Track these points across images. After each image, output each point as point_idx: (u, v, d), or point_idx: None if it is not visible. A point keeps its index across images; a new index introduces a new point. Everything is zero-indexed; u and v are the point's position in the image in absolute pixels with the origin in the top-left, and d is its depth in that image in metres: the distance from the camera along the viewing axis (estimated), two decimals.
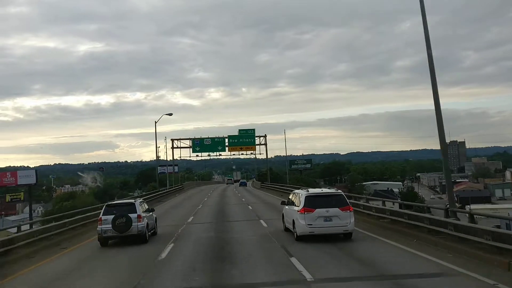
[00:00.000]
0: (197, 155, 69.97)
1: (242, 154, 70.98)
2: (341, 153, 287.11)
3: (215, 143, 68.15)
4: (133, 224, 17.32)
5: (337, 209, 16.27)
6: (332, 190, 20.94)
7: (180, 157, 72.61)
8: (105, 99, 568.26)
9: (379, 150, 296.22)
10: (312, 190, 18.41)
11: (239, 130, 69.92)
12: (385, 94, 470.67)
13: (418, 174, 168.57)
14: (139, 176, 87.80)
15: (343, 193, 17.89)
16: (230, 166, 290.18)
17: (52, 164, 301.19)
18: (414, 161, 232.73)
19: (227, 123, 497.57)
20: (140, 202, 19.39)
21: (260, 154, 73.02)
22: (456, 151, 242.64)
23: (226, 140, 68.57)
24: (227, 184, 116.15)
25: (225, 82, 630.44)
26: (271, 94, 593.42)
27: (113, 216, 17.37)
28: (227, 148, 68.81)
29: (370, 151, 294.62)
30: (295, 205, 17.43)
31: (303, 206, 16.43)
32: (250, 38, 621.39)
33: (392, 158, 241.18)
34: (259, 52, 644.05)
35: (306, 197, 16.79)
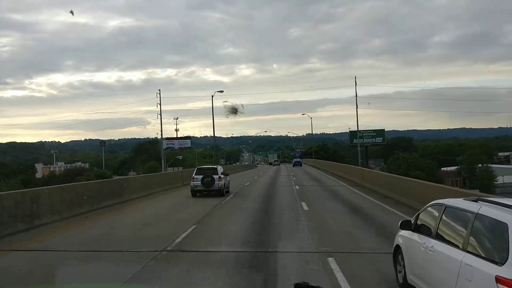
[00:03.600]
0: None
1: None
2: None
3: None
4: (215, 182, 23.93)
5: None
6: None
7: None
8: (136, 75, 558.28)
9: (415, 129, 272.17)
10: None
11: None
12: (421, 71, 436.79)
13: (507, 153, 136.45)
14: (135, 152, 67.26)
15: None
16: (262, 144, 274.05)
17: (82, 139, 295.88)
18: (464, 139, 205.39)
19: (257, 100, 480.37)
20: (220, 167, 26.44)
21: None
22: None
23: None
24: (273, 165, 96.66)
25: (256, 58, 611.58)
26: (303, 70, 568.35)
27: (202, 176, 24.13)
28: None
29: (406, 129, 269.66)
30: (462, 248, 5.80)
31: None
32: (281, 11, 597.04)
33: (430, 136, 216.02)
34: (291, 26, 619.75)
35: None
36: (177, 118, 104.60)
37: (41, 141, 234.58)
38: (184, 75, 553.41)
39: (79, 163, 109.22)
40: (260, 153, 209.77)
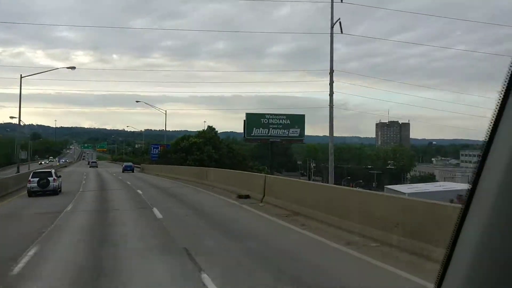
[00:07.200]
0: None
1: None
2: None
3: None
4: (50, 183, 26.83)
5: None
6: None
7: None
8: None
9: None
10: None
11: None
12: (258, 78, 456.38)
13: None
14: None
15: None
16: (95, 137, 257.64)
17: None
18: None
19: (93, 91, 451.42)
20: (54, 170, 30.05)
21: None
22: (398, 134, 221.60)
23: None
24: (90, 166, 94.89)
25: (95, 45, 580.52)
26: (145, 64, 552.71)
27: (38, 178, 27.02)
28: None
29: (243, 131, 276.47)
30: None
31: None
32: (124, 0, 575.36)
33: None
34: (134, 17, 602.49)
35: None
36: None
37: None
38: (10, 55, 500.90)
39: None
40: (88, 145, 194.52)
